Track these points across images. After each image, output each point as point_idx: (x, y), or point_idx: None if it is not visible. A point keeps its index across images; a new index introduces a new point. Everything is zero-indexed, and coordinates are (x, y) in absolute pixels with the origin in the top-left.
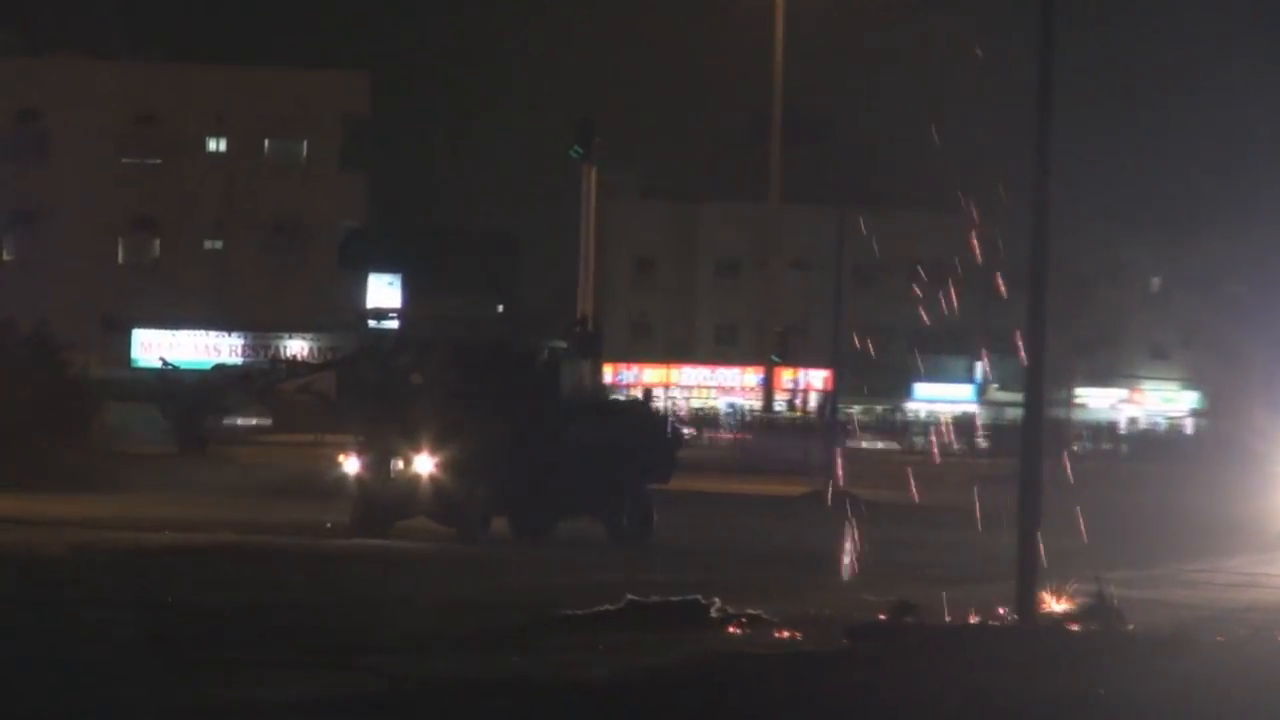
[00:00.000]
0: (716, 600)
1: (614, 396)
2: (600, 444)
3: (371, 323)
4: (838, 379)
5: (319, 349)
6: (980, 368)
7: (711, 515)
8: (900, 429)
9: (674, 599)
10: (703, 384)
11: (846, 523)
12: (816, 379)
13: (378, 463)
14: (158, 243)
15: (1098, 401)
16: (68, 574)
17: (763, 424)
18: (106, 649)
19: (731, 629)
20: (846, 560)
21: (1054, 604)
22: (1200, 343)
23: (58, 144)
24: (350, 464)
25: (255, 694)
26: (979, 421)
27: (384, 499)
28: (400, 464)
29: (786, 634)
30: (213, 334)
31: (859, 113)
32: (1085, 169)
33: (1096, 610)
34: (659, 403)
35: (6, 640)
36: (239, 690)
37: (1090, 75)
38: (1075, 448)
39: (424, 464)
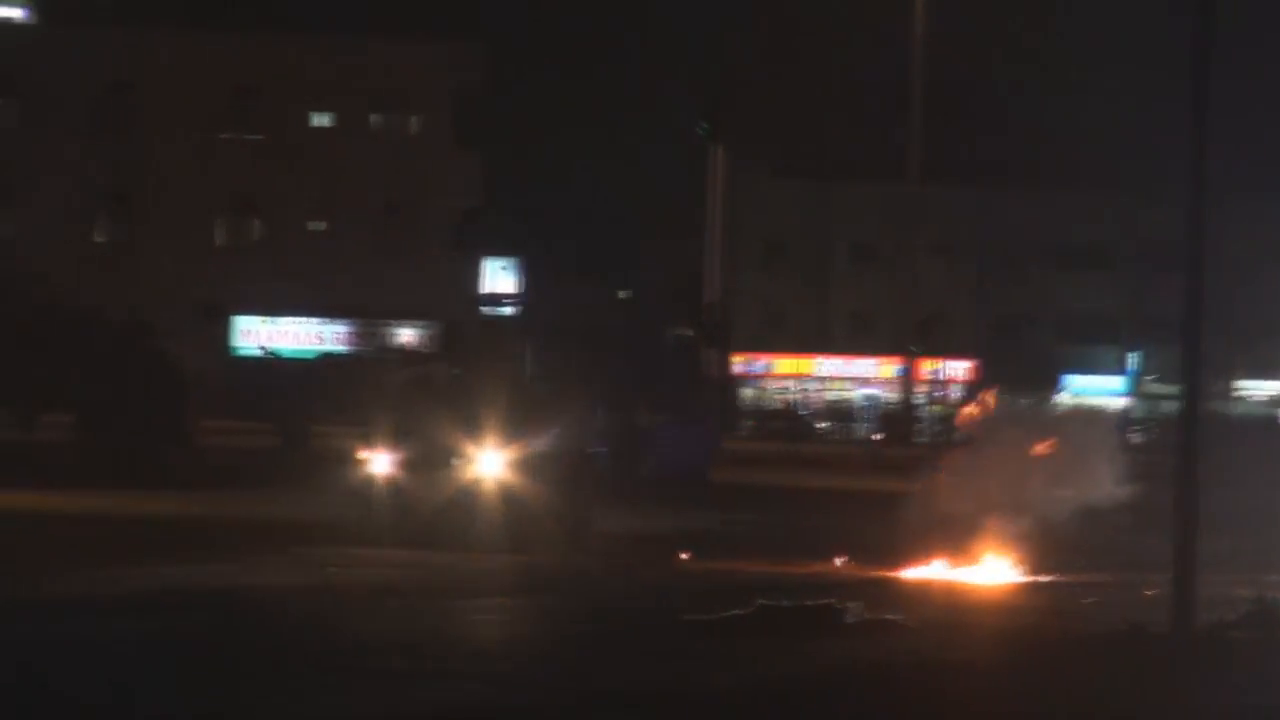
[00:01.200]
0: (851, 605)
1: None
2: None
3: (486, 309)
4: (981, 370)
5: (430, 336)
6: (1133, 358)
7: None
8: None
9: (807, 603)
10: (838, 375)
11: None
12: (959, 370)
13: (414, 463)
14: (258, 224)
15: (1260, 390)
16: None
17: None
18: None
19: (867, 635)
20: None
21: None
22: None
23: (152, 119)
24: (379, 463)
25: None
26: (1132, 415)
27: (415, 501)
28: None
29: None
30: (317, 321)
31: (1004, 87)
32: (1245, 142)
33: (1264, 618)
34: (790, 396)
35: None
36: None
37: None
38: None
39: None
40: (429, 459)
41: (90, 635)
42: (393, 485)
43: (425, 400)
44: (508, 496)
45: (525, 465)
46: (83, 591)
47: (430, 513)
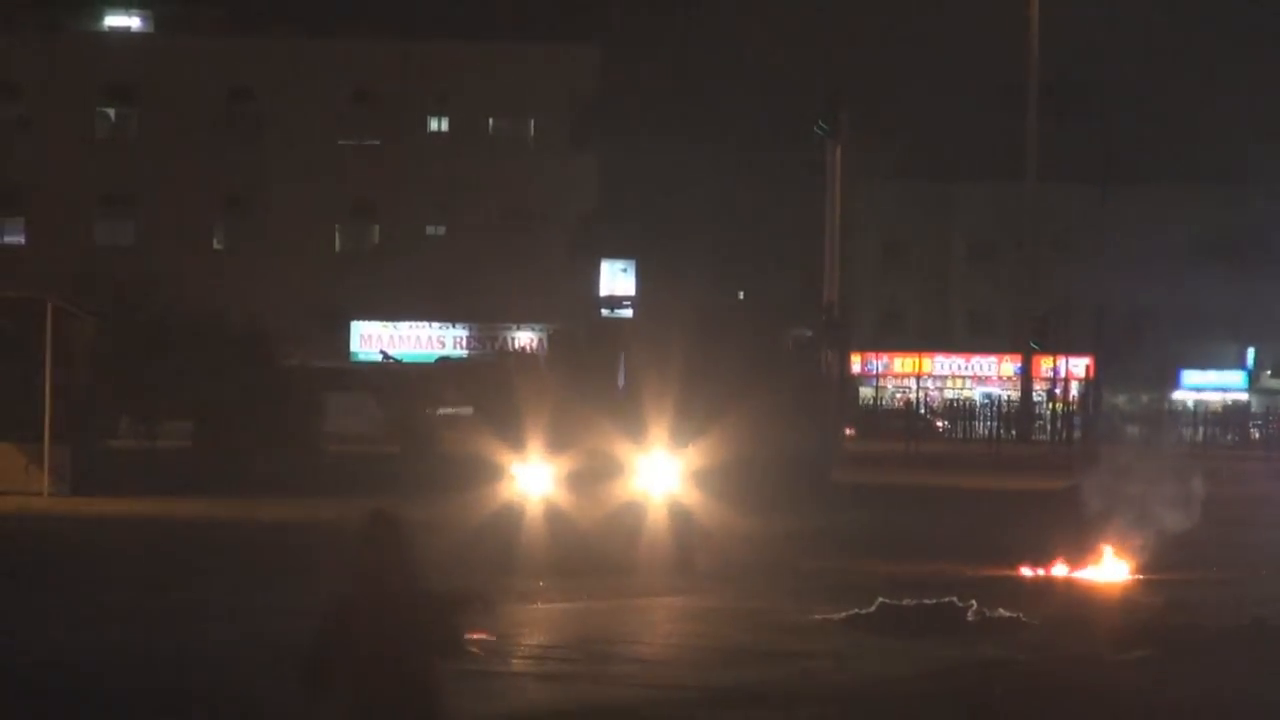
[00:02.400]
0: (973, 603)
1: None
2: None
3: (605, 311)
4: (1100, 367)
5: (548, 338)
6: (1251, 353)
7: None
8: (1167, 420)
9: (928, 601)
10: (957, 374)
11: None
12: (1077, 367)
13: (575, 478)
14: (377, 229)
15: None
16: None
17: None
18: None
19: (987, 632)
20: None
21: None
22: None
23: (271, 125)
24: (534, 476)
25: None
26: (1252, 410)
27: (574, 520)
28: (603, 480)
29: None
30: (435, 325)
31: (1119, 83)
32: None
33: None
34: (909, 395)
35: None
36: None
37: None
38: None
39: (659, 480)
40: (592, 473)
41: None
42: (549, 503)
43: (583, 408)
44: (678, 514)
45: (698, 477)
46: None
47: (595, 535)
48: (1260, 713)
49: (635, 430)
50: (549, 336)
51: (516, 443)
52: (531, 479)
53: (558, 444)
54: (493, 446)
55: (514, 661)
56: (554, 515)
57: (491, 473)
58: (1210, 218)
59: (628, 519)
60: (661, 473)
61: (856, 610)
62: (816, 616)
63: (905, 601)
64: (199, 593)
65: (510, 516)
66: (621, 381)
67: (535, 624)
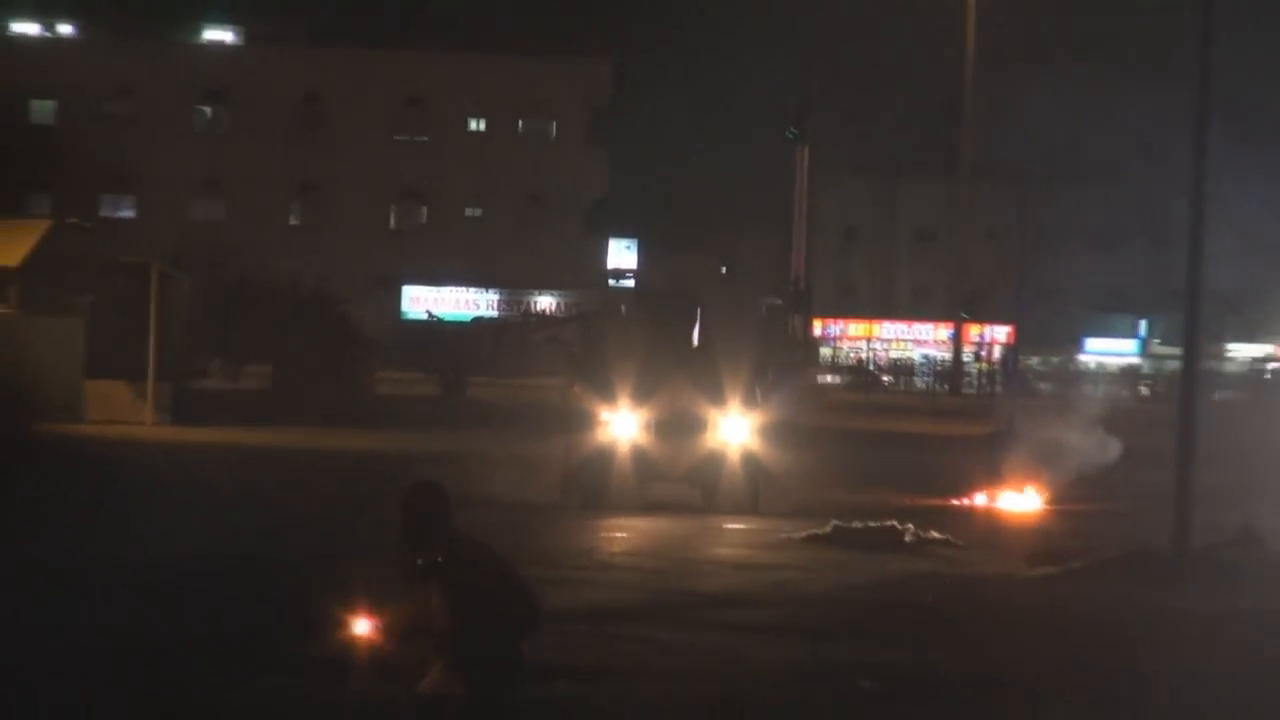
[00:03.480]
0: (910, 526)
1: None
2: None
3: (611, 281)
4: (1018, 334)
5: (565, 304)
6: (1143, 325)
7: (903, 456)
8: (1072, 378)
9: (873, 524)
10: (900, 338)
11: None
12: (1000, 333)
13: (666, 425)
14: (424, 210)
15: (1247, 354)
16: None
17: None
18: None
19: (922, 551)
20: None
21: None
22: None
23: (337, 123)
24: (621, 423)
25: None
26: (1143, 372)
27: (661, 467)
28: (686, 431)
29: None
30: (472, 290)
31: (1042, 93)
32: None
33: (1245, 539)
34: (860, 354)
35: None
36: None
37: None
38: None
39: (738, 429)
40: (677, 423)
41: None
42: (638, 449)
43: (670, 361)
44: (750, 461)
45: (765, 430)
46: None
47: (677, 478)
48: (1143, 622)
49: (711, 386)
50: (634, 296)
51: (608, 393)
52: (621, 426)
53: (643, 396)
54: (586, 395)
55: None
56: (640, 458)
57: (580, 420)
58: (1112, 210)
59: (707, 466)
60: (736, 426)
61: (815, 531)
62: (782, 535)
63: (855, 524)
64: (285, 509)
65: (604, 458)
66: (696, 340)
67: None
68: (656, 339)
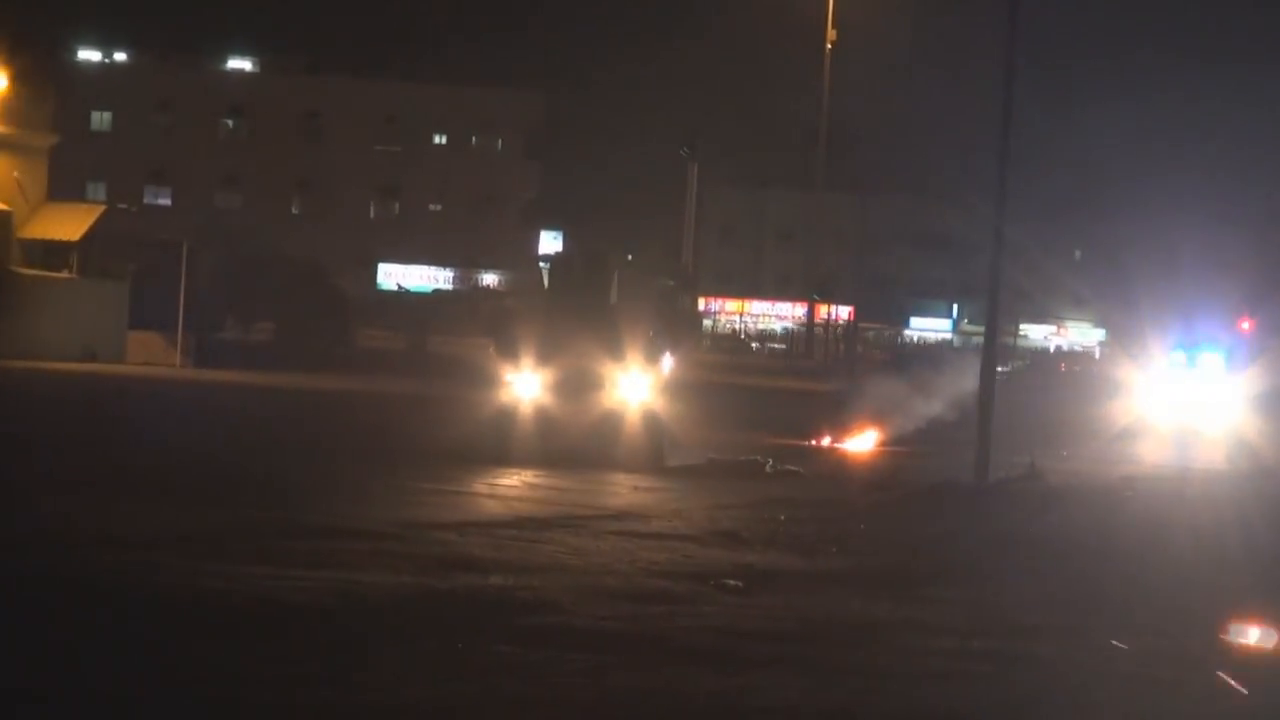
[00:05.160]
0: (770, 460)
1: None
2: None
3: (541, 264)
4: (857, 312)
5: (504, 280)
6: (956, 308)
7: (765, 406)
8: (899, 348)
9: (741, 458)
10: (765, 314)
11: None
12: (843, 311)
13: (565, 386)
14: (397, 205)
15: (1035, 333)
16: None
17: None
18: None
19: (779, 479)
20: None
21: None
22: (1106, 295)
23: (329, 134)
24: (525, 383)
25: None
26: (955, 345)
27: (563, 424)
28: (591, 389)
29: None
30: (433, 268)
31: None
32: (1032, 164)
33: (1029, 476)
34: (734, 326)
35: None
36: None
37: (1035, 88)
38: (1009, 367)
39: (641, 387)
40: (577, 383)
41: None
42: (540, 407)
43: (571, 325)
44: (651, 419)
45: (663, 389)
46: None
47: (579, 436)
48: (950, 539)
49: (617, 345)
50: (551, 258)
51: (518, 354)
52: (524, 386)
53: (550, 356)
54: (500, 357)
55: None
56: (543, 416)
57: (487, 379)
58: (934, 218)
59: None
60: (638, 384)
61: (693, 463)
62: (668, 465)
63: (725, 458)
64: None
65: (506, 416)
66: (614, 299)
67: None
68: (572, 299)
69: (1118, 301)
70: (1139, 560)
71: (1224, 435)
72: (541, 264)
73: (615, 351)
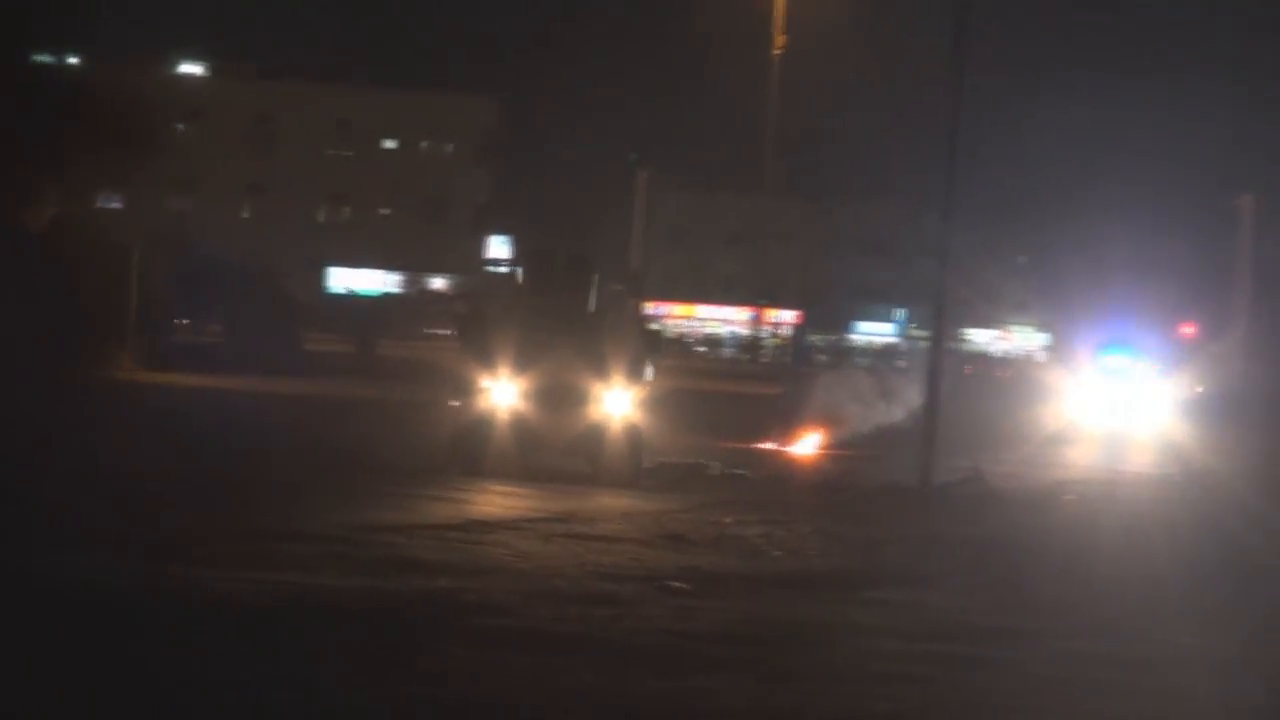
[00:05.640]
0: (717, 463)
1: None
2: None
3: (489, 268)
4: (805, 317)
5: (453, 284)
6: (900, 313)
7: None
8: (846, 352)
9: (688, 461)
10: (712, 317)
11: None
12: (790, 316)
13: (546, 396)
14: (348, 209)
15: (979, 338)
16: None
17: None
18: None
19: (724, 483)
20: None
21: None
22: (1048, 300)
23: (282, 139)
24: (499, 392)
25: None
26: (900, 349)
27: (543, 436)
28: (574, 401)
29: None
30: (382, 272)
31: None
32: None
33: (972, 480)
34: (681, 330)
35: None
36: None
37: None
38: (968, 369)
39: (620, 402)
40: (561, 393)
41: None
42: (516, 417)
43: (559, 328)
44: (633, 434)
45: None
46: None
47: (557, 449)
48: (897, 542)
49: (599, 356)
50: (527, 256)
51: (488, 361)
52: (501, 394)
53: (527, 364)
54: (467, 363)
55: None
56: (521, 427)
57: (462, 386)
58: (879, 224)
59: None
60: (621, 399)
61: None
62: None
63: (674, 461)
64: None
65: (484, 426)
66: (593, 305)
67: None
68: (549, 304)
69: (1059, 306)
70: (1081, 561)
71: (1152, 439)
72: (499, 268)
73: (599, 361)
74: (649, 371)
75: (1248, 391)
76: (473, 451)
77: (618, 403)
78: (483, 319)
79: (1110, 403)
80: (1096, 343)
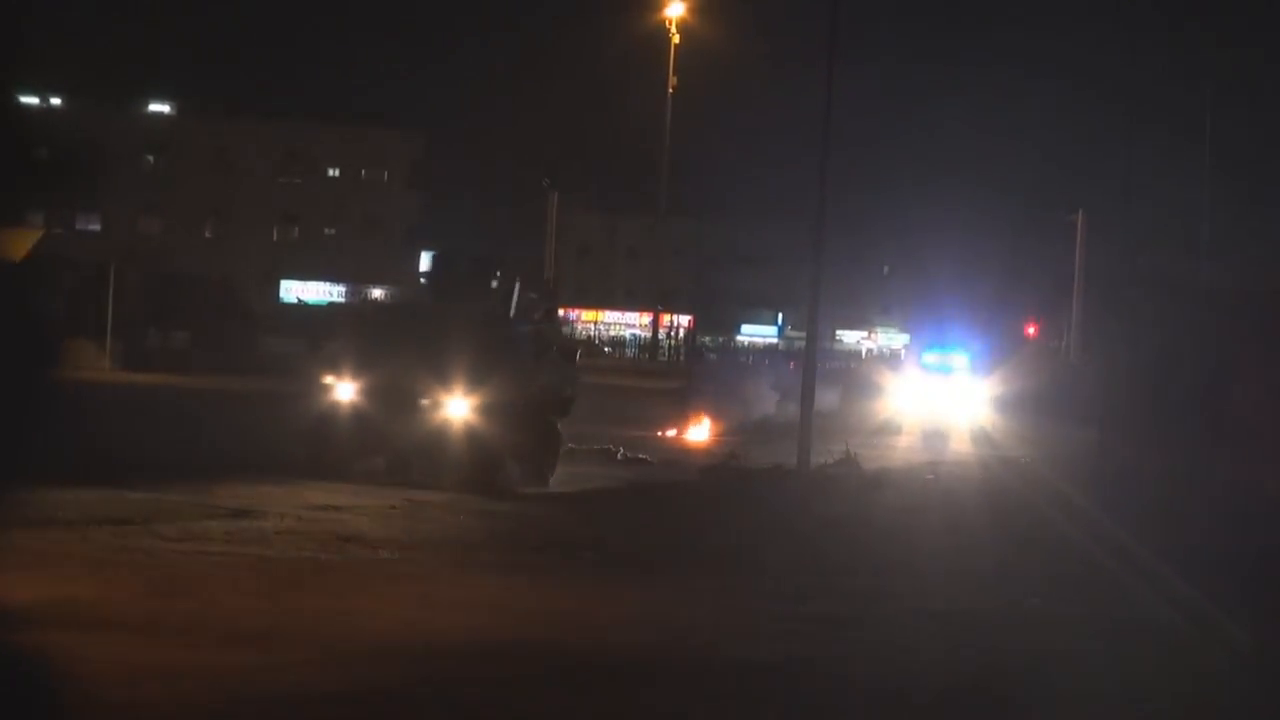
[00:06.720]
0: (621, 449)
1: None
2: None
3: (421, 280)
4: (696, 320)
5: (389, 294)
6: (780, 316)
7: (618, 402)
8: (733, 352)
9: (596, 447)
10: (617, 321)
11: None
12: (684, 319)
13: (392, 397)
14: (297, 229)
15: (849, 338)
16: None
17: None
18: None
19: (630, 465)
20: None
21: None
22: (909, 304)
23: (239, 169)
24: (343, 390)
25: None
26: (780, 349)
27: (388, 437)
28: (426, 403)
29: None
30: (328, 284)
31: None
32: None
33: (846, 462)
34: (589, 333)
35: None
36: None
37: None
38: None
39: (460, 406)
40: (394, 394)
41: None
42: (355, 414)
43: (396, 335)
44: (472, 438)
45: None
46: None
47: (392, 448)
48: (776, 507)
49: (461, 360)
50: (433, 257)
51: (335, 362)
52: (342, 392)
53: (367, 364)
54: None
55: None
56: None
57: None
58: (761, 238)
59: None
60: (457, 403)
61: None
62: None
63: (580, 447)
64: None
65: (322, 423)
66: (514, 311)
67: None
68: (449, 302)
69: (915, 310)
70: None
71: (968, 429)
72: (421, 281)
73: (461, 364)
74: (566, 383)
75: (1066, 388)
76: (315, 447)
77: (461, 408)
78: (360, 319)
79: (929, 396)
80: (922, 342)
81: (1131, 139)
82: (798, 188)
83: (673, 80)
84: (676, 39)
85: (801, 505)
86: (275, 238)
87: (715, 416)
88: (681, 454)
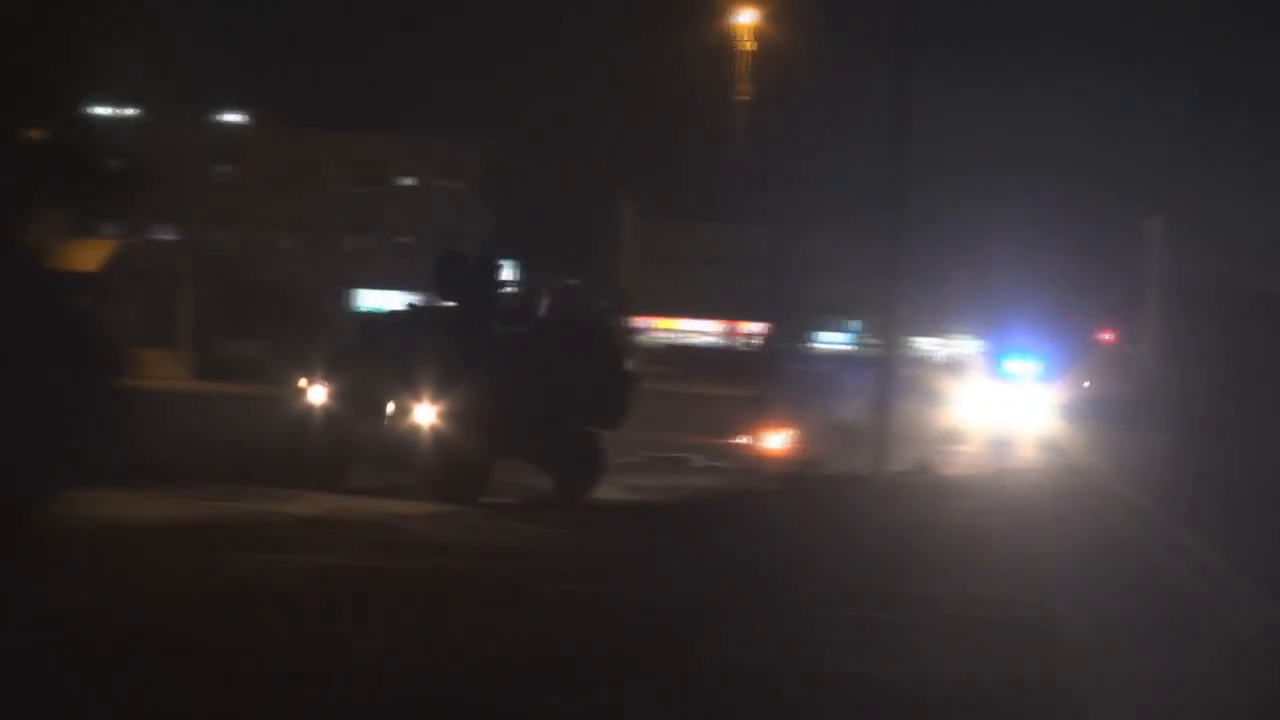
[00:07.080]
0: (700, 456)
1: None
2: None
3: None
4: (774, 328)
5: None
6: (857, 325)
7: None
8: (810, 359)
9: (672, 454)
10: (691, 330)
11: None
12: (760, 329)
13: (367, 405)
14: (372, 238)
15: (925, 345)
16: None
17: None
18: None
19: (707, 473)
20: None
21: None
22: (983, 311)
23: (313, 177)
24: (316, 394)
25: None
26: (855, 356)
27: (364, 445)
28: (399, 409)
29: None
30: (404, 293)
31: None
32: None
33: (921, 469)
34: (664, 340)
35: None
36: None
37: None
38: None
39: (427, 413)
40: (366, 399)
41: None
42: (327, 419)
43: (377, 342)
44: (440, 443)
45: (456, 415)
46: None
47: (361, 452)
48: (842, 515)
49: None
50: (437, 256)
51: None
52: (315, 395)
53: (340, 369)
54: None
55: None
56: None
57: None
58: (840, 247)
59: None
60: (424, 408)
61: (629, 459)
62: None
63: (657, 455)
64: None
65: (298, 420)
66: (542, 310)
67: None
68: (457, 303)
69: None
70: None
71: (1035, 438)
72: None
73: (445, 370)
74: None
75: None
76: (292, 453)
77: (428, 414)
78: (370, 327)
79: (996, 404)
80: (995, 349)
81: (1210, 146)
82: (869, 191)
83: (744, 89)
84: (749, 45)
85: (871, 512)
86: (350, 247)
87: (792, 424)
88: (757, 461)
